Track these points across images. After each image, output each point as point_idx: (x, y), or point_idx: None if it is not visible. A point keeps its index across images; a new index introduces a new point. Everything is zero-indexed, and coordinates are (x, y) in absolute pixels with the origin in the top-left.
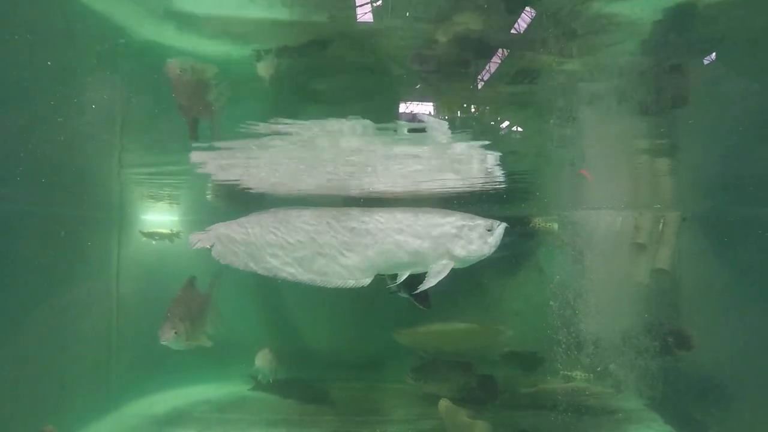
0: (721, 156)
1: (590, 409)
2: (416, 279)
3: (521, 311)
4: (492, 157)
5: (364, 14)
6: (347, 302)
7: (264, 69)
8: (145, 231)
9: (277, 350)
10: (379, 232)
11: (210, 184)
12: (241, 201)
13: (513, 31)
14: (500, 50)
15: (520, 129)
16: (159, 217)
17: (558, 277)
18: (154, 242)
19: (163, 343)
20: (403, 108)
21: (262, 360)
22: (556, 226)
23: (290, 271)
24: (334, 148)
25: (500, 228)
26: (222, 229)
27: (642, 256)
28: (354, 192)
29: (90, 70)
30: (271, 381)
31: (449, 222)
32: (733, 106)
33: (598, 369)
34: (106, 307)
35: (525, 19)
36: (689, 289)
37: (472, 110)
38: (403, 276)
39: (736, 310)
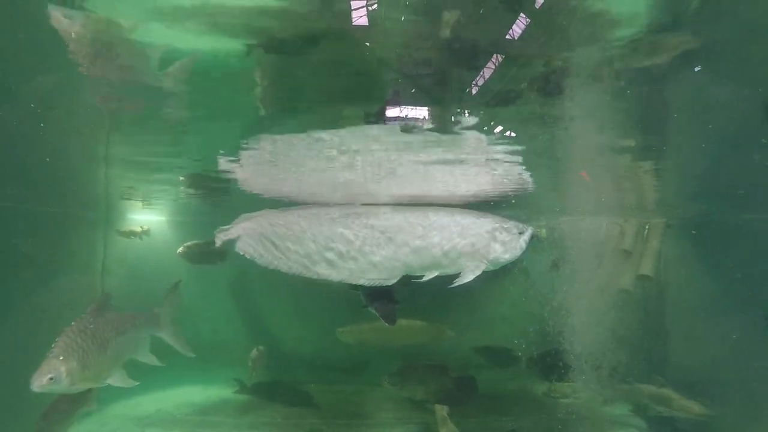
0: (707, 163)
1: (575, 414)
2: (384, 295)
3: (506, 316)
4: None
5: (359, 18)
6: (332, 305)
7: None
8: (122, 230)
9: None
10: (411, 231)
11: (182, 178)
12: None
13: (507, 36)
14: (494, 56)
15: (513, 134)
16: (145, 216)
17: (544, 282)
18: (129, 239)
19: (36, 390)
20: (396, 112)
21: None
22: (544, 231)
23: (318, 268)
24: (366, 155)
25: (529, 231)
26: (249, 224)
27: (626, 263)
28: (383, 198)
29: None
30: (252, 381)
31: (483, 224)
32: (720, 113)
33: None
34: (89, 305)
35: (520, 26)
36: (673, 294)
37: (466, 115)
38: (431, 276)
39: (720, 316)
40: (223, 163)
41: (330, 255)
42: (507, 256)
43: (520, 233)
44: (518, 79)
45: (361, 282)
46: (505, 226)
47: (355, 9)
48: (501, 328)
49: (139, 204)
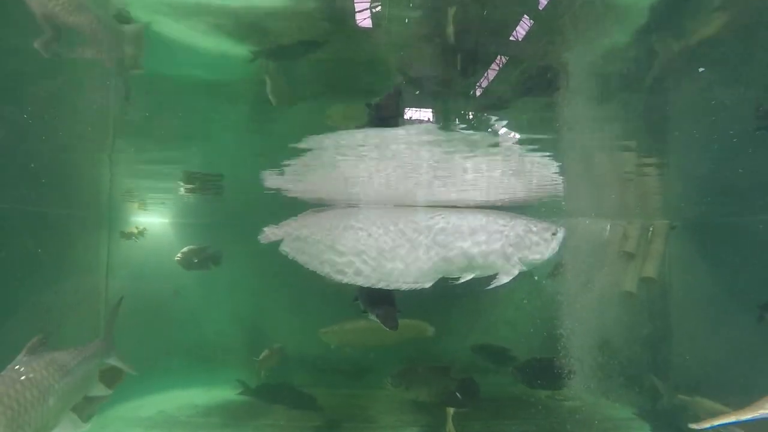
0: (710, 165)
1: (579, 418)
2: (385, 300)
3: (512, 320)
4: (554, 166)
5: (363, 20)
6: (335, 308)
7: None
8: (125, 231)
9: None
10: (449, 233)
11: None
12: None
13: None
14: (499, 57)
15: (518, 136)
16: (148, 218)
17: (549, 285)
18: (130, 240)
19: None
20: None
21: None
22: None
23: (354, 272)
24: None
25: (561, 232)
26: (292, 226)
27: (630, 265)
28: (420, 201)
29: (82, 67)
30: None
31: (518, 225)
32: (723, 115)
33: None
34: (93, 306)
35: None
36: (677, 297)
37: (470, 117)
38: (467, 278)
39: (724, 318)
40: (269, 178)
41: (366, 258)
42: (541, 257)
43: (553, 234)
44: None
45: (397, 286)
46: (539, 227)
47: (359, 11)
48: (504, 332)
49: (141, 205)
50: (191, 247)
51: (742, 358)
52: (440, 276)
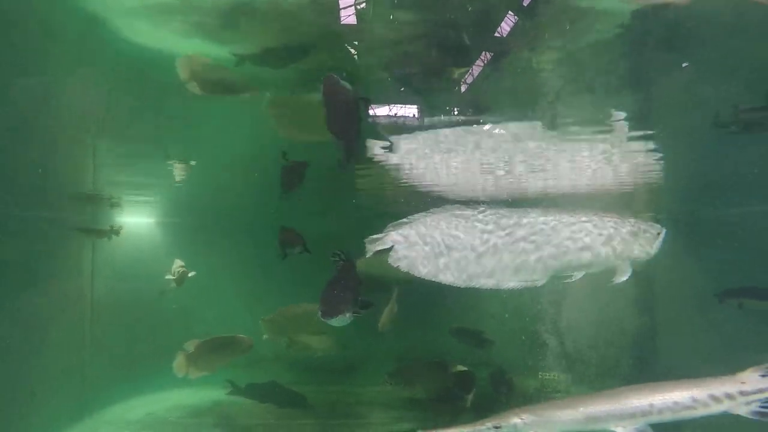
0: (697, 159)
1: None
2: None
3: (497, 314)
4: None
5: (347, 17)
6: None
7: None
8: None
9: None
10: (561, 232)
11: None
12: None
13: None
14: (483, 53)
15: (503, 132)
16: (135, 219)
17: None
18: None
19: None
20: (387, 110)
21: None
22: None
23: (468, 273)
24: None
25: (664, 231)
26: (398, 232)
27: None
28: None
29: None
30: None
31: (628, 224)
32: (709, 110)
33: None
34: (79, 310)
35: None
36: (662, 290)
37: (455, 113)
38: (578, 276)
39: (708, 311)
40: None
41: (482, 259)
42: (647, 256)
43: (658, 233)
44: None
45: (512, 285)
46: (645, 226)
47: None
48: (491, 326)
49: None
50: (179, 263)
51: (730, 351)
52: (551, 274)
